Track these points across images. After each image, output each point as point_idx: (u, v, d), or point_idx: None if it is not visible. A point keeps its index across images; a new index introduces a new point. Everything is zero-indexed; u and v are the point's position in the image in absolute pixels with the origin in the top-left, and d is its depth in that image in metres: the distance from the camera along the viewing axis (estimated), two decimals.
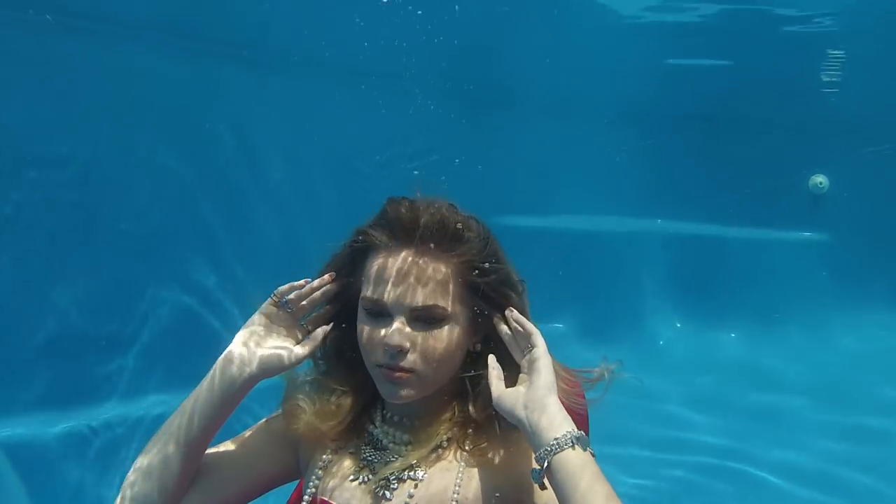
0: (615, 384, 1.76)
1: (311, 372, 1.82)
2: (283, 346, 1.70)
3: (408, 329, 1.63)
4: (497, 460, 1.67)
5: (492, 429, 1.69)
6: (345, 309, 1.77)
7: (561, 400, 1.60)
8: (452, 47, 6.22)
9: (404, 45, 6.03)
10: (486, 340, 1.75)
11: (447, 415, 1.74)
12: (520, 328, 1.68)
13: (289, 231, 5.99)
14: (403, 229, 1.65)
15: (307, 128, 6.61)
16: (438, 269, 1.64)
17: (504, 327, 1.71)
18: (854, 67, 8.28)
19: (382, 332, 1.64)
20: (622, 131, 8.89)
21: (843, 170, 8.74)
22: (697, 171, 8.76)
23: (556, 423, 1.52)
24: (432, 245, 1.64)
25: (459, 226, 1.66)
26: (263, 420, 1.86)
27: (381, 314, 1.65)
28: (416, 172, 1.72)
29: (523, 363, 1.66)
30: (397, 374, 1.63)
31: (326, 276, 1.75)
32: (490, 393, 1.65)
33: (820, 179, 8.84)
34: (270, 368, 1.68)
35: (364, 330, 1.67)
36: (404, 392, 1.65)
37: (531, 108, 8.39)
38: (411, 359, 1.62)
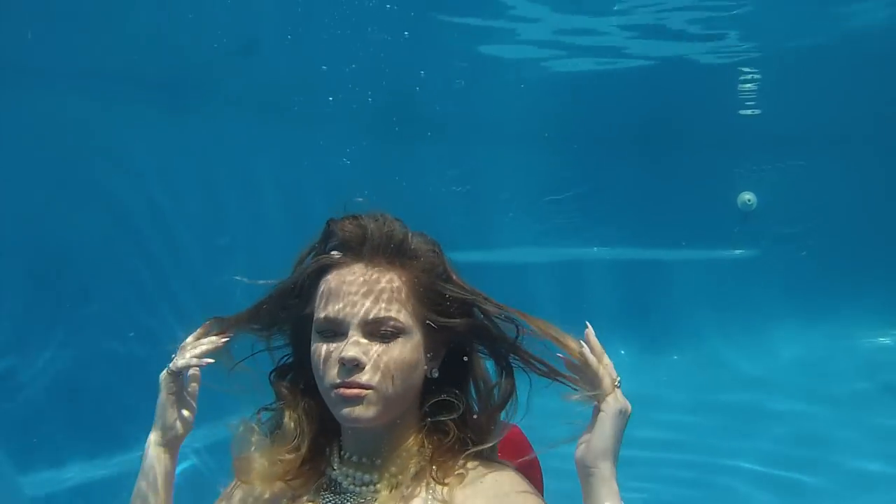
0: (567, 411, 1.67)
1: (262, 422, 1.74)
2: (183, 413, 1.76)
3: (363, 342, 1.57)
4: (473, 490, 1.58)
5: (463, 456, 1.62)
6: (298, 345, 1.72)
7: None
8: (380, 88, 6.22)
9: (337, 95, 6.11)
10: (443, 368, 1.67)
11: (413, 448, 1.64)
12: (588, 362, 1.61)
13: (213, 266, 5.89)
14: (352, 243, 1.62)
15: (234, 166, 6.60)
16: (391, 281, 1.59)
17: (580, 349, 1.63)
18: (775, 86, 8.47)
19: (338, 348, 1.57)
20: (553, 159, 8.92)
21: (769, 186, 8.90)
22: (630, 196, 8.84)
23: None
24: (383, 257, 1.60)
25: (409, 237, 1.63)
26: (220, 499, 1.79)
27: (336, 332, 1.59)
28: (359, 199, 1.69)
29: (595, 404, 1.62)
30: (355, 390, 1.55)
31: (215, 338, 1.74)
32: (462, 420, 1.63)
33: (748, 197, 8.98)
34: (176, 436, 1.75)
35: (319, 351, 1.59)
36: (363, 410, 1.56)
37: (461, 138, 8.38)
38: (368, 373, 1.55)
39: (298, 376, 1.72)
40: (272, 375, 1.74)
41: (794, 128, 8.31)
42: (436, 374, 1.65)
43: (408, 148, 7.97)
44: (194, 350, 1.71)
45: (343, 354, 1.54)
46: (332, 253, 1.63)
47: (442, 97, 8.05)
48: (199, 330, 1.75)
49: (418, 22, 7.02)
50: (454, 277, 1.66)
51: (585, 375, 1.60)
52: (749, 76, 8.50)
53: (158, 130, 6.08)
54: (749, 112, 8.78)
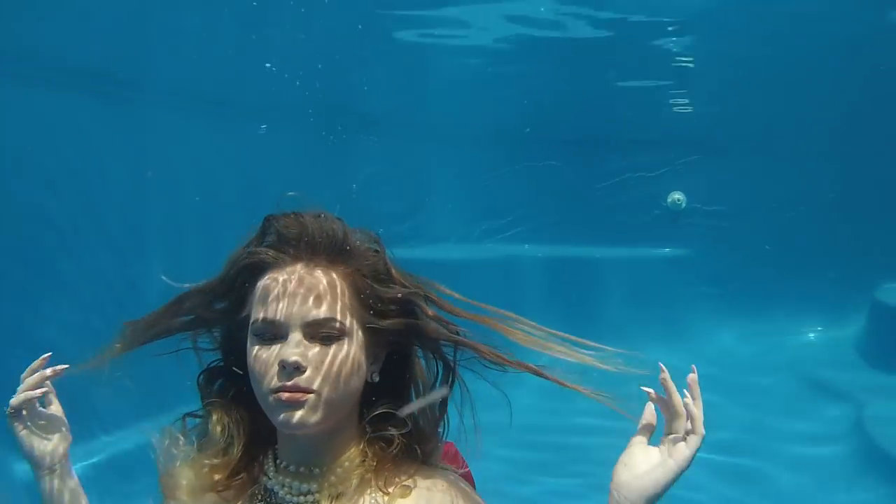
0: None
1: (189, 429, 1.65)
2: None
3: (304, 344, 1.48)
4: (417, 499, 1.53)
5: (413, 462, 1.56)
6: (233, 348, 1.61)
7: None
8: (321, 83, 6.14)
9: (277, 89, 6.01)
10: (383, 371, 1.60)
11: (356, 459, 1.57)
12: (675, 401, 1.58)
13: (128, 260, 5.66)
14: (291, 242, 1.53)
15: (164, 159, 6.39)
16: (332, 282, 1.51)
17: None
18: (705, 85, 8.62)
19: (277, 351, 1.48)
20: (488, 156, 8.92)
21: (698, 186, 9.05)
22: (562, 194, 8.89)
23: None
24: (323, 256, 1.53)
25: (350, 235, 1.56)
26: None
27: (275, 335, 1.49)
28: (291, 193, 1.60)
29: (665, 439, 1.56)
30: (296, 394, 1.46)
31: (49, 371, 1.66)
32: (411, 422, 1.57)
33: (678, 196, 9.10)
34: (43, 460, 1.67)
35: (256, 354, 1.50)
36: (304, 415, 1.47)
37: (399, 135, 8.33)
38: (309, 376, 1.47)
39: (228, 382, 1.63)
40: (200, 378, 1.65)
41: (722, 128, 8.46)
42: (377, 379, 1.58)
43: (345, 143, 7.88)
44: (24, 385, 1.64)
45: (283, 357, 1.46)
46: (270, 251, 1.54)
47: (380, 93, 7.99)
48: (35, 363, 1.67)
49: (362, 19, 6.95)
50: (395, 274, 1.58)
51: (669, 411, 1.56)
52: (680, 75, 8.64)
53: (89, 119, 5.87)
54: (680, 110, 8.90)
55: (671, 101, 8.85)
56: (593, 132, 8.69)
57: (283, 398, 1.46)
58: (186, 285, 1.62)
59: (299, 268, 1.51)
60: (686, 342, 8.27)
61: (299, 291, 1.48)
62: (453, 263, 8.34)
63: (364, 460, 1.56)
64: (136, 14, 6.07)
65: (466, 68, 8.34)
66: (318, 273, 1.51)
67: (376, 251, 1.59)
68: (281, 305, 1.48)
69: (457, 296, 1.62)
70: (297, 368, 1.45)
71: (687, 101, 8.86)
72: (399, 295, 1.56)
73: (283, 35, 6.59)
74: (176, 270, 1.67)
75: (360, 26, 7.04)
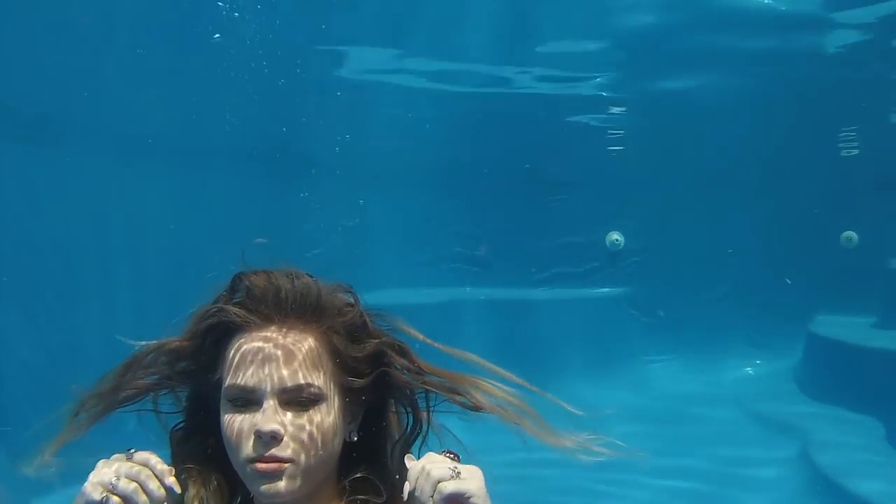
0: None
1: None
2: None
3: (280, 412, 1.41)
4: None
5: None
6: (200, 409, 1.52)
7: None
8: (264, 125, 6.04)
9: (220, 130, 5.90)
10: (363, 429, 1.55)
11: None
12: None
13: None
14: (264, 303, 1.46)
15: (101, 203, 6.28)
16: (307, 344, 1.45)
17: None
18: (636, 128, 8.82)
19: (252, 419, 1.40)
20: (430, 200, 8.92)
21: (636, 226, 9.20)
22: (503, 236, 8.93)
23: None
24: (297, 318, 1.46)
25: (322, 293, 1.48)
26: None
27: (249, 402, 1.42)
28: (261, 239, 1.52)
29: None
30: (273, 464, 1.39)
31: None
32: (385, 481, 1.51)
33: (616, 236, 9.23)
34: None
35: (230, 423, 1.42)
36: (284, 485, 1.41)
37: (345, 178, 8.30)
38: (287, 446, 1.40)
39: (201, 442, 1.53)
40: (174, 438, 1.54)
41: (658, 168, 8.64)
42: (355, 438, 1.53)
43: (290, 186, 7.81)
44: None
45: (259, 427, 1.39)
46: (241, 311, 1.46)
47: (326, 136, 7.96)
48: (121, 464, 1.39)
49: (304, 59, 6.95)
50: (370, 327, 1.53)
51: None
52: (616, 119, 8.83)
53: (21, 162, 5.77)
54: (616, 152, 9.08)
55: (609, 147, 9.03)
56: (533, 174, 8.80)
57: (260, 469, 1.40)
58: (142, 343, 1.51)
59: (274, 330, 1.45)
60: (628, 377, 8.34)
61: (274, 357, 1.42)
62: (397, 308, 8.24)
63: None
64: (63, 60, 5.95)
65: (410, 109, 8.39)
66: (293, 336, 1.45)
67: (350, 304, 1.52)
68: (254, 372, 1.42)
69: (426, 339, 1.59)
70: (274, 438, 1.39)
71: (622, 145, 9.05)
72: (375, 350, 1.51)
73: (220, 75, 6.51)
74: (111, 319, 1.57)
75: (291, 71, 7.02)
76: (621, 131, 8.95)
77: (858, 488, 5.41)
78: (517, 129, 8.54)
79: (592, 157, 9.01)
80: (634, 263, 9.24)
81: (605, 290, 9.20)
